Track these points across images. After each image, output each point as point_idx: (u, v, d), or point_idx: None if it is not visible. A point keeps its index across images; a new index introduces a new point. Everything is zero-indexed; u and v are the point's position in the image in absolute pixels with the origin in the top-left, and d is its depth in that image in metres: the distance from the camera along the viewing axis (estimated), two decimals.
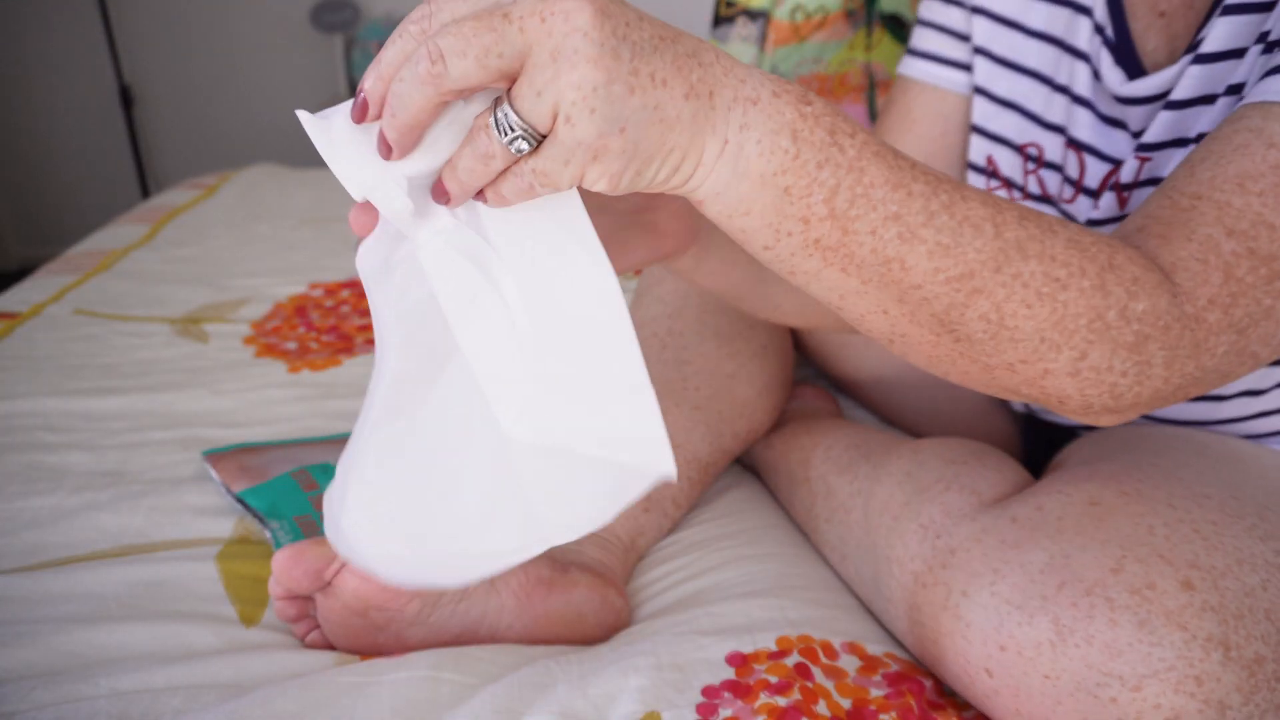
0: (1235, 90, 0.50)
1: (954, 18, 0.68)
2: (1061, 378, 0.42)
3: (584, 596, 0.59)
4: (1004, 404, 0.80)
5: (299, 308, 1.13)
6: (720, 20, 1.40)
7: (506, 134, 0.34)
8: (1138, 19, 0.57)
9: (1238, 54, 0.50)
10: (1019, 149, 0.64)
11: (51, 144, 2.95)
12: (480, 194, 0.37)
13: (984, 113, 0.66)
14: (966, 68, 0.67)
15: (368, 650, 0.57)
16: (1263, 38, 0.48)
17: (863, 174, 0.37)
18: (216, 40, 2.89)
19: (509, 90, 0.33)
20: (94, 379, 0.93)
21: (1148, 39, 0.57)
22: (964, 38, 0.67)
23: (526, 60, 0.32)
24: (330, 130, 0.38)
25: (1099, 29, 0.58)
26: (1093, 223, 0.59)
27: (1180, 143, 0.54)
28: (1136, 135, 0.57)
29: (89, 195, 3.00)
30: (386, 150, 0.36)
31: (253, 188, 1.67)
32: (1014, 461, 0.61)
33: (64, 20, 2.80)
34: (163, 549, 0.67)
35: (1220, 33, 0.50)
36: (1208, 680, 0.41)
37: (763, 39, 1.36)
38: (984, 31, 0.65)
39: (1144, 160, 0.55)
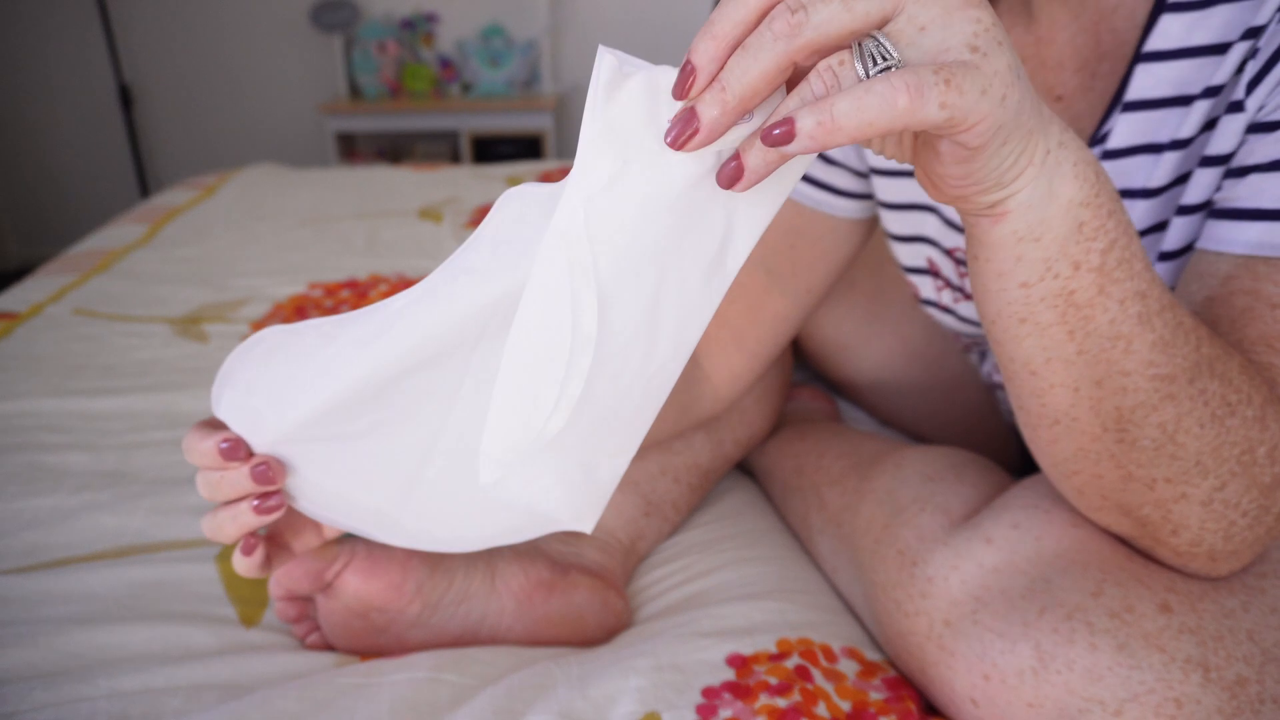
0: (1151, 194, 0.50)
1: None
2: (1193, 505, 0.42)
3: (584, 598, 0.60)
4: (997, 407, 0.81)
5: (298, 308, 1.13)
6: None
7: (876, 63, 0.29)
8: None
9: (1151, 149, 0.49)
10: (948, 252, 0.63)
11: (51, 144, 2.95)
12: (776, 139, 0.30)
13: (901, 222, 0.65)
14: (829, 189, 0.64)
15: (368, 651, 0.57)
16: (1178, 144, 0.48)
17: (1132, 239, 0.38)
18: (216, 40, 2.89)
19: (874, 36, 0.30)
20: (94, 379, 0.93)
21: None
22: (829, 160, 0.64)
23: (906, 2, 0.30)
24: (619, 89, 0.33)
25: None
26: None
27: None
28: None
29: (88, 195, 3.00)
30: (685, 133, 0.32)
31: (252, 188, 1.67)
32: (997, 471, 0.60)
33: (64, 20, 2.80)
34: (163, 549, 0.67)
35: (1125, 129, 0.50)
36: (1188, 703, 0.41)
37: None
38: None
39: None
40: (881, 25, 0.30)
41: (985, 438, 0.82)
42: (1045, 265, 0.37)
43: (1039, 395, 0.42)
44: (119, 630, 0.58)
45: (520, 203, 0.37)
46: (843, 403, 0.92)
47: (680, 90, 0.32)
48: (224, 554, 0.67)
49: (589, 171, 0.35)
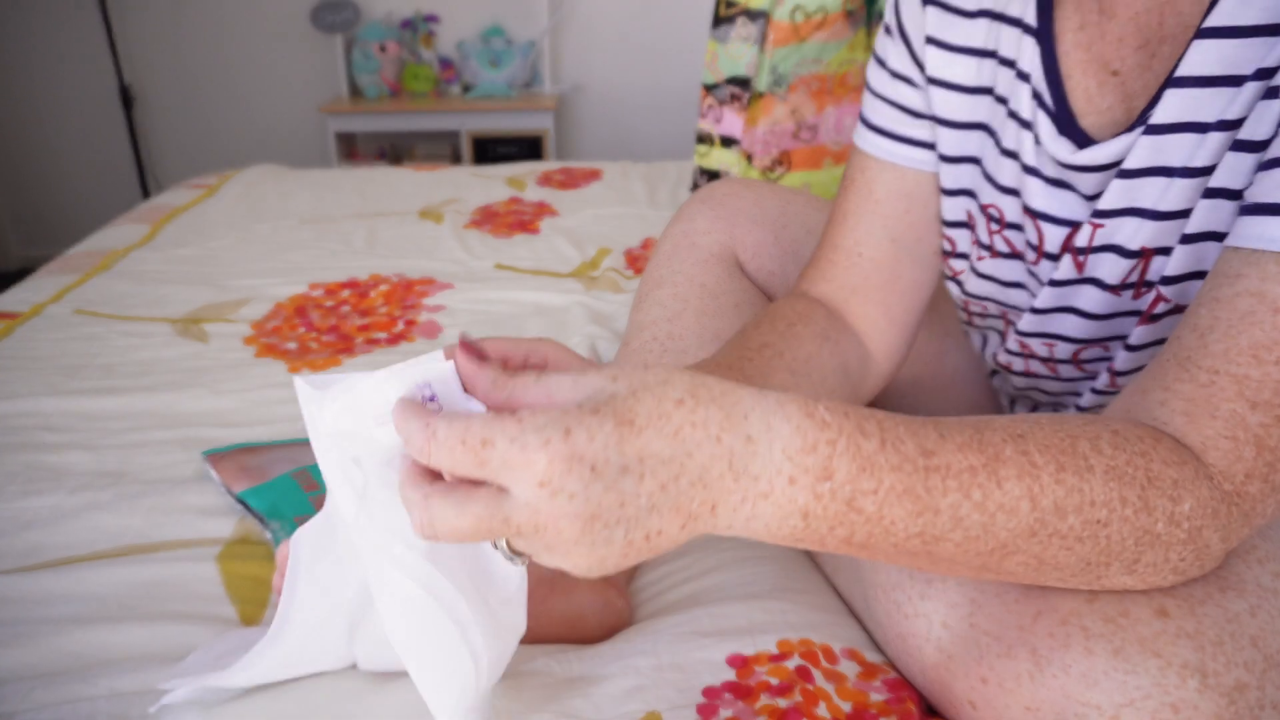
0: (1194, 173, 0.49)
1: (904, 94, 0.64)
2: (1117, 578, 0.43)
3: (585, 597, 0.59)
4: (999, 404, 0.80)
5: (299, 308, 1.13)
6: (720, 20, 1.40)
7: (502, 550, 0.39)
8: (1089, 77, 0.54)
9: (1196, 128, 0.48)
10: (983, 208, 0.62)
11: (52, 144, 2.95)
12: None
13: (953, 175, 0.64)
14: (925, 145, 0.64)
15: None
16: (1225, 125, 0.47)
17: (882, 519, 0.38)
18: (217, 40, 2.89)
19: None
20: (94, 379, 0.93)
21: (1101, 97, 0.54)
22: (918, 114, 0.64)
23: (521, 539, 0.36)
24: (321, 404, 0.40)
25: (1036, 95, 0.55)
26: (1055, 283, 0.58)
27: (1133, 211, 0.52)
28: (1089, 198, 0.55)
29: (89, 195, 3.00)
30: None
31: (253, 188, 1.67)
32: None
33: (65, 20, 2.80)
34: (163, 549, 0.67)
35: (1171, 105, 0.49)
36: (1184, 708, 0.40)
37: (763, 39, 1.36)
38: (941, 100, 0.62)
39: (1097, 226, 0.54)
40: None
41: None
42: (786, 542, 0.39)
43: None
44: (119, 630, 0.58)
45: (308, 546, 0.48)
46: None
47: None
48: (224, 554, 0.67)
49: (339, 491, 0.42)
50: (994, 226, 0.62)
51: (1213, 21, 0.46)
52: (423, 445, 0.36)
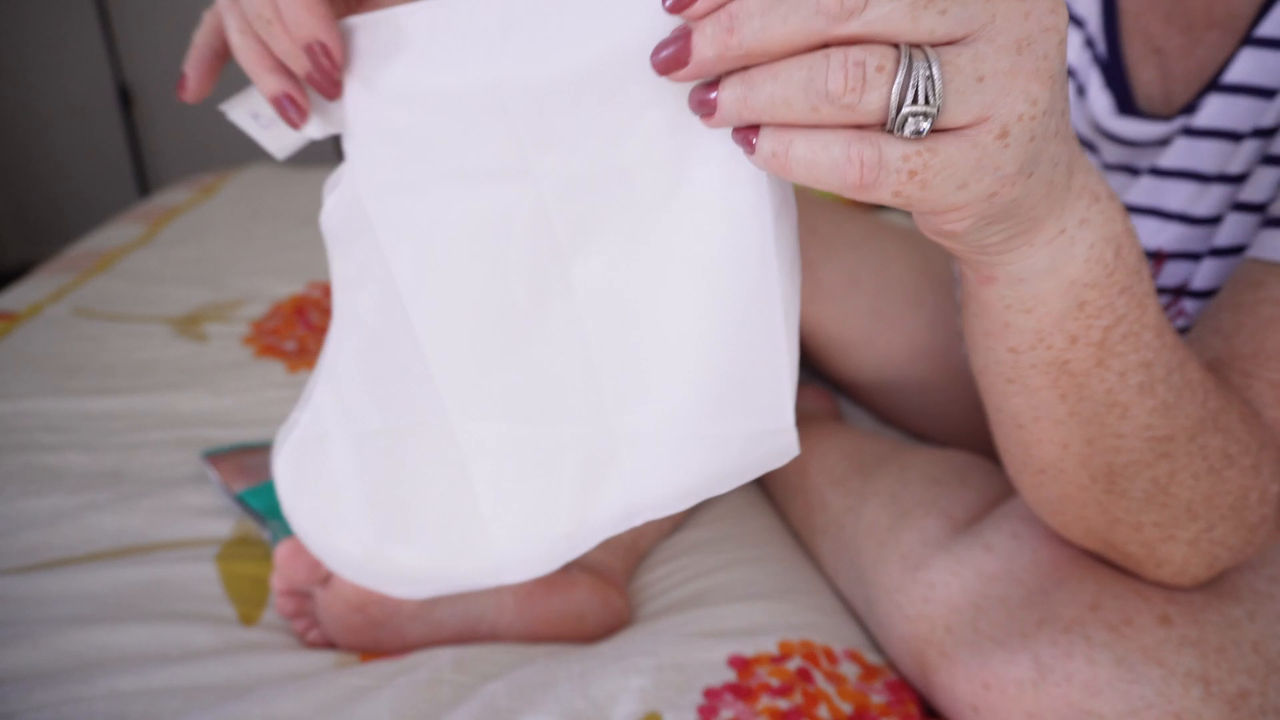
0: (1231, 180, 0.48)
1: None
2: (1181, 545, 0.42)
3: (585, 596, 0.59)
4: None
5: (298, 308, 1.13)
6: None
7: (911, 98, 0.24)
8: (1133, 45, 0.53)
9: (1232, 137, 0.48)
10: None
11: (50, 143, 2.95)
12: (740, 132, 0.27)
13: None
14: None
15: (368, 647, 0.57)
16: (1261, 133, 0.46)
17: (1145, 311, 0.35)
18: None
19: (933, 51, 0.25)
20: (93, 379, 0.93)
21: (1142, 69, 0.53)
22: None
23: (979, 36, 0.25)
24: None
25: (1090, 43, 0.54)
26: None
27: (1156, 212, 0.52)
28: (1107, 168, 0.55)
29: (87, 194, 3.00)
30: (671, 63, 0.26)
31: (252, 187, 1.67)
32: (1000, 475, 0.60)
33: (63, 19, 2.80)
34: (162, 549, 0.67)
35: (1214, 109, 0.48)
36: (1188, 717, 0.40)
37: None
38: None
39: None
40: (944, 44, 0.25)
41: (988, 436, 0.82)
42: (1037, 336, 0.35)
43: (1025, 446, 0.41)
44: (118, 630, 0.58)
45: None
46: (843, 402, 0.92)
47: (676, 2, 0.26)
48: (223, 554, 0.67)
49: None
50: None
51: (1264, 31, 0.46)
52: None
